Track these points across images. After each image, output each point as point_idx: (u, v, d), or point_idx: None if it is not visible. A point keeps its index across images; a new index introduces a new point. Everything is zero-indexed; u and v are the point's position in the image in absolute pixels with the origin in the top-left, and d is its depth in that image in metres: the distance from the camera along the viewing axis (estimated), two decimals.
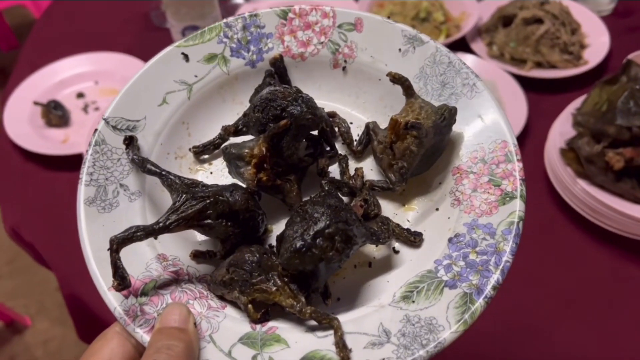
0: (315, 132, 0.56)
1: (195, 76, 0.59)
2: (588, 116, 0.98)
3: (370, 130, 0.56)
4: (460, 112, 0.53)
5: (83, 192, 0.50)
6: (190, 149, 0.58)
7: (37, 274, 1.98)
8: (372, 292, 0.49)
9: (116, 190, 0.52)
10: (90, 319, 0.98)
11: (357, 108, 0.61)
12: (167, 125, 0.57)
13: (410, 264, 0.50)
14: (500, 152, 0.51)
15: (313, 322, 0.45)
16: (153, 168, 0.52)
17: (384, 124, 0.56)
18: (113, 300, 0.45)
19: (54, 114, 1.23)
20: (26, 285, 2.03)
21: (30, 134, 1.20)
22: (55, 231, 1.03)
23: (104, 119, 0.54)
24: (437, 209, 0.52)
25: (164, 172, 0.51)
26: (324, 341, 0.44)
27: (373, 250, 0.52)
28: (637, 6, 1.45)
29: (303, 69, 0.61)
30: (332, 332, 0.44)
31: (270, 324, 0.46)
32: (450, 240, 0.48)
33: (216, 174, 0.58)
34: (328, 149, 0.57)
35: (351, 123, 0.60)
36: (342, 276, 0.51)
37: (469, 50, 1.30)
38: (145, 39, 1.44)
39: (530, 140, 1.12)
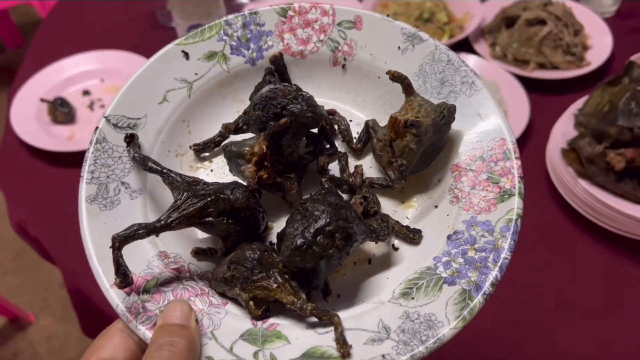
0: (315, 130, 0.56)
1: (196, 74, 0.59)
2: (590, 117, 0.98)
3: (369, 128, 0.56)
4: (459, 109, 0.53)
5: (84, 190, 0.50)
6: (190, 147, 0.58)
7: (41, 271, 2.00)
8: (371, 289, 0.49)
9: (117, 188, 0.52)
10: (94, 314, 0.98)
11: (356, 106, 0.61)
12: (168, 123, 0.57)
13: (410, 260, 0.50)
14: (499, 150, 0.51)
15: (314, 319, 0.45)
16: (154, 166, 0.52)
17: (383, 121, 0.56)
18: (115, 297, 0.45)
19: (60, 111, 1.23)
20: (30, 282, 2.04)
21: (36, 130, 1.21)
22: (61, 227, 1.04)
23: (104, 117, 0.54)
24: (436, 207, 0.52)
25: (165, 170, 0.51)
26: (325, 337, 0.44)
27: (373, 247, 0.52)
28: None
29: (303, 66, 0.61)
30: (332, 328, 0.44)
31: (271, 320, 0.46)
32: (449, 237, 0.48)
33: (217, 171, 0.58)
34: (328, 146, 0.57)
35: (351, 121, 0.60)
36: (342, 273, 0.51)
37: (472, 51, 1.30)
38: (150, 38, 1.45)
39: (532, 140, 1.12)
